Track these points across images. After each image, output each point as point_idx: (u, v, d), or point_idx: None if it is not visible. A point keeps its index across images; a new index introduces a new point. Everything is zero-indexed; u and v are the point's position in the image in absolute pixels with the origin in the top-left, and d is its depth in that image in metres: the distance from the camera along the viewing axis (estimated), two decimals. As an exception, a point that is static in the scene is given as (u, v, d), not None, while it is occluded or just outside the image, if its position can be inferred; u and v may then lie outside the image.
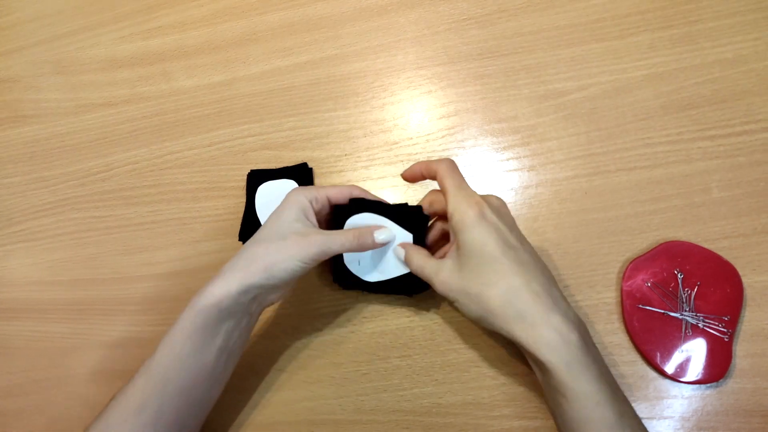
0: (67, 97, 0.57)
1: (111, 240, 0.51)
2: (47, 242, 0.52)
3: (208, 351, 0.36)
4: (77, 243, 0.52)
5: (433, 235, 0.41)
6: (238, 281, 0.35)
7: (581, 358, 0.31)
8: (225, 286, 0.35)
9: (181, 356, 0.35)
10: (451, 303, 0.37)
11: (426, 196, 0.41)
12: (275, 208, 0.39)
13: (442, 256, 0.38)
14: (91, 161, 0.54)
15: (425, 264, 0.37)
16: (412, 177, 0.40)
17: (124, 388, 0.36)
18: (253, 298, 0.36)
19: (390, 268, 0.41)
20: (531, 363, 0.34)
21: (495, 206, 0.36)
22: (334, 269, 0.42)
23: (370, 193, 0.41)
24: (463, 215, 0.34)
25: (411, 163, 0.47)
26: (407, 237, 0.40)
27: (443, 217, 0.40)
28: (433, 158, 0.47)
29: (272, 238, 0.37)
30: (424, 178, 0.39)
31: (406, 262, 0.39)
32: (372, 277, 0.41)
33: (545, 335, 0.31)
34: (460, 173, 0.37)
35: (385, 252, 0.41)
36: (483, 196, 0.36)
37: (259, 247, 0.36)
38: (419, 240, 0.40)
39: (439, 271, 0.36)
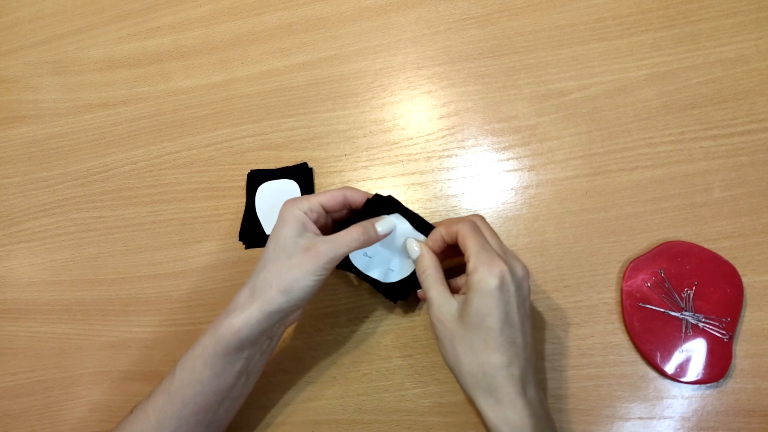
0: (66, 98, 0.57)
1: (112, 240, 0.51)
2: (48, 242, 0.52)
3: (228, 375, 0.36)
4: (78, 243, 0.52)
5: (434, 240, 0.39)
6: (258, 310, 0.34)
7: None
8: (244, 317, 0.34)
9: (200, 380, 0.35)
10: (433, 333, 0.37)
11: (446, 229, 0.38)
12: (273, 228, 0.38)
13: (454, 290, 0.37)
14: (90, 161, 0.54)
15: (436, 288, 0.36)
16: (437, 247, 0.38)
17: (143, 405, 0.37)
18: (276, 322, 0.36)
19: (392, 266, 0.41)
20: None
21: (518, 277, 0.35)
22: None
23: (363, 192, 0.40)
24: (484, 278, 0.33)
25: (411, 163, 0.48)
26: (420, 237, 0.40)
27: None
28: (431, 162, 0.48)
29: (280, 260, 0.36)
30: (446, 244, 0.38)
31: (418, 269, 0.38)
32: (374, 272, 0.41)
33: (509, 416, 0.33)
34: (481, 233, 0.36)
35: (392, 252, 0.41)
36: (510, 261, 0.35)
37: (269, 272, 0.36)
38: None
39: (442, 305, 0.36)
